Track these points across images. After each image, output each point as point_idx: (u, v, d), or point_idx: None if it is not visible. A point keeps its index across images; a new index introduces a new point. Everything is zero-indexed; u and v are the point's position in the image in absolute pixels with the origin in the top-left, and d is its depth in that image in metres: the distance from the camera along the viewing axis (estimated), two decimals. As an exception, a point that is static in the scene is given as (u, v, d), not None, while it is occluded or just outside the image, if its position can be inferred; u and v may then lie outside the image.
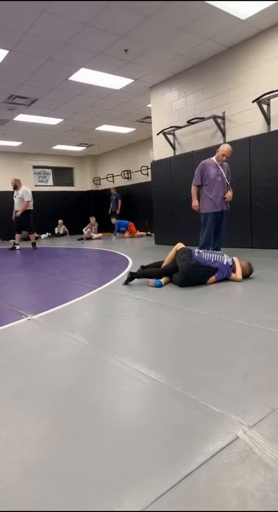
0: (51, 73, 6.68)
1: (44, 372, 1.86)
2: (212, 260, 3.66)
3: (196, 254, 3.69)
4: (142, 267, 4.00)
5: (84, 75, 6.83)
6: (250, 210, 6.15)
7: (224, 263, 3.67)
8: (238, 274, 3.67)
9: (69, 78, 6.94)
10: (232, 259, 3.76)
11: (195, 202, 5.00)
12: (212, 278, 3.60)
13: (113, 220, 12.29)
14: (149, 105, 8.22)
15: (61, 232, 13.87)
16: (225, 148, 4.83)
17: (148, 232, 11.15)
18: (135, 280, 3.80)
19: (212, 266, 3.62)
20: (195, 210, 5.04)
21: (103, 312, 3.03)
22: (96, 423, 1.36)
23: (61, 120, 9.68)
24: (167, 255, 3.90)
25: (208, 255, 3.70)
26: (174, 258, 3.78)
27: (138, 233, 11.53)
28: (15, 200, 8.61)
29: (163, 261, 3.92)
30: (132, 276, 3.77)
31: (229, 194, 4.90)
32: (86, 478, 1.08)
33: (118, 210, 12.58)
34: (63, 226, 13.93)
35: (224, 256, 3.75)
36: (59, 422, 1.39)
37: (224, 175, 4.90)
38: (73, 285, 4.11)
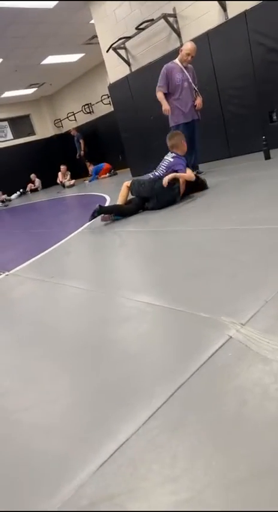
0: None
1: (34, 319, 1.75)
2: (161, 168, 3.60)
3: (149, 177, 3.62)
4: (100, 206, 3.50)
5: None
6: (222, 115, 5.72)
7: (171, 160, 3.58)
8: (188, 171, 3.55)
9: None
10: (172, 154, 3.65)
11: (165, 105, 4.46)
12: (180, 175, 3.42)
13: (90, 169, 11.48)
14: (92, 22, 7.29)
15: (37, 187, 13.10)
16: (189, 45, 4.29)
17: (112, 171, 10.48)
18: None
19: (166, 171, 3.50)
20: (166, 119, 4.61)
21: (83, 251, 2.89)
22: (95, 350, 1.30)
23: (0, 60, 8.65)
24: None
25: (155, 171, 3.65)
26: (128, 196, 3.55)
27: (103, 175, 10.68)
28: None
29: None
30: (100, 210, 3.43)
31: (199, 101, 4.44)
32: (105, 391, 1.07)
33: (82, 152, 11.74)
34: (37, 180, 13.12)
35: (165, 159, 3.67)
36: (66, 358, 1.30)
37: (190, 80, 4.41)
38: (51, 233, 3.91)
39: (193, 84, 4.44)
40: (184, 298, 1.49)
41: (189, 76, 4.40)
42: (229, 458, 0.75)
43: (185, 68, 4.39)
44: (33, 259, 2.87)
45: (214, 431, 0.82)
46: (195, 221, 2.72)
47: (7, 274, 2.61)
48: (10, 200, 11.56)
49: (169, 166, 3.55)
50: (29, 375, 1.29)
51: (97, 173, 10.77)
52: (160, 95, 4.50)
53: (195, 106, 4.46)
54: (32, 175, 12.97)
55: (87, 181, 10.93)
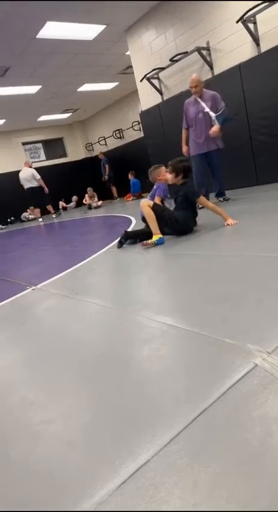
0: (17, 32, 6.20)
1: (58, 334, 1.79)
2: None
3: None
4: (126, 233, 3.54)
5: (52, 30, 6.32)
6: (250, 144, 5.78)
7: (154, 187, 3.80)
8: (156, 198, 3.68)
9: (38, 36, 6.45)
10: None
11: (183, 148, 4.70)
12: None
13: (113, 189, 11.81)
14: (127, 53, 7.66)
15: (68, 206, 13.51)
16: (190, 80, 4.43)
17: (138, 194, 10.67)
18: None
19: (151, 198, 3.69)
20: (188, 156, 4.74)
21: (107, 270, 2.93)
22: (117, 368, 1.30)
23: (39, 87, 9.17)
24: None
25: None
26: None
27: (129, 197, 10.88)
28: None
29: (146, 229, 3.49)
30: (126, 235, 3.48)
31: (214, 129, 4.38)
32: (126, 409, 1.06)
33: (106, 176, 12.08)
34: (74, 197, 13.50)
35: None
36: (88, 373, 1.32)
37: (207, 110, 4.40)
38: (78, 251, 4.00)
39: (211, 113, 4.39)
40: (208, 322, 1.49)
41: (204, 106, 4.41)
42: (252, 489, 0.73)
43: (201, 97, 4.44)
44: (60, 275, 2.93)
45: (237, 459, 0.81)
46: (220, 246, 2.72)
47: (34, 289, 2.68)
48: (60, 214, 11.69)
49: (152, 194, 3.84)
50: (53, 388, 1.31)
51: (135, 188, 10.99)
52: (183, 134, 4.72)
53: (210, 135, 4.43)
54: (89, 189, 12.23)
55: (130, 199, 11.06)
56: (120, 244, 3.46)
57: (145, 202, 3.40)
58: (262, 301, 1.55)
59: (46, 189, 9.63)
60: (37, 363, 1.55)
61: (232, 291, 1.76)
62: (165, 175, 3.69)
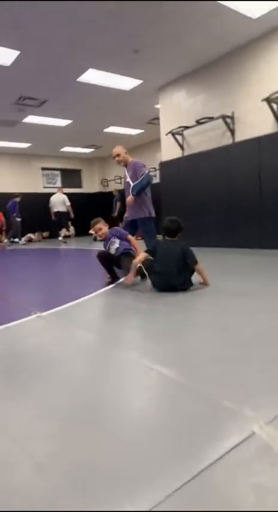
0: (61, 74, 6.70)
1: (51, 367, 1.83)
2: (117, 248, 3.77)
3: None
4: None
5: (93, 76, 6.84)
6: (261, 211, 6.07)
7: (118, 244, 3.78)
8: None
9: (78, 79, 6.96)
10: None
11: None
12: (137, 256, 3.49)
13: (120, 225, 12.09)
14: (157, 106, 8.20)
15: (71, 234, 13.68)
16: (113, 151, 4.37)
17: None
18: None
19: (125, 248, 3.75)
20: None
21: (109, 309, 3.00)
22: (107, 418, 1.32)
23: (70, 121, 9.71)
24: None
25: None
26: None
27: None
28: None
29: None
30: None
31: (128, 199, 4.25)
32: (96, 474, 1.03)
33: (116, 212, 12.47)
34: (72, 227, 13.70)
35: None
36: (70, 417, 1.35)
37: (128, 179, 4.28)
38: (84, 283, 4.08)
39: (131, 182, 4.24)
40: (209, 381, 1.54)
41: (127, 176, 4.34)
42: None
43: (126, 166, 4.35)
44: (64, 306, 3.00)
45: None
46: (220, 305, 2.80)
47: (39, 316, 2.74)
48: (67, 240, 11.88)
49: (106, 244, 3.89)
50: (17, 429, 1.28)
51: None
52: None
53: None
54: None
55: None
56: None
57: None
58: (265, 368, 1.62)
59: (72, 215, 10.96)
60: (15, 398, 1.58)
61: (236, 352, 1.82)
62: (102, 228, 3.85)
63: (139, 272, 3.49)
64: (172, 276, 3.19)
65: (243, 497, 0.91)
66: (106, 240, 3.88)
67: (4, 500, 0.94)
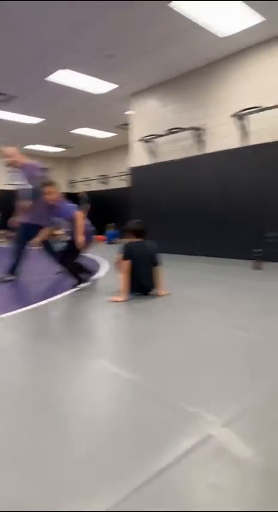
0: (32, 72, 6.58)
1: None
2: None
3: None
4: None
5: (67, 77, 6.77)
6: (229, 220, 6.31)
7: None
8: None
9: (51, 79, 6.86)
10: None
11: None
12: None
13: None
14: (127, 112, 8.27)
15: None
16: None
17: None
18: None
19: None
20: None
21: (75, 312, 2.97)
22: (66, 420, 1.32)
23: (42, 120, 9.54)
24: None
25: None
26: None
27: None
28: None
29: None
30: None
31: (24, 204, 4.14)
32: (55, 475, 1.03)
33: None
34: None
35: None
36: (28, 420, 1.33)
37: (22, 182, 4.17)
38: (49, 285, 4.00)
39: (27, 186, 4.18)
40: (171, 385, 1.57)
41: (22, 178, 4.23)
42: None
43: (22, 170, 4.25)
44: (25, 308, 2.93)
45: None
46: (183, 312, 2.87)
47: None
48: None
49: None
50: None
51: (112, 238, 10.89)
52: None
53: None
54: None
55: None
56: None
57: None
58: (226, 374, 1.68)
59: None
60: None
61: (200, 358, 1.88)
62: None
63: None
64: (147, 276, 3.20)
65: (200, 496, 0.95)
66: None
67: None
